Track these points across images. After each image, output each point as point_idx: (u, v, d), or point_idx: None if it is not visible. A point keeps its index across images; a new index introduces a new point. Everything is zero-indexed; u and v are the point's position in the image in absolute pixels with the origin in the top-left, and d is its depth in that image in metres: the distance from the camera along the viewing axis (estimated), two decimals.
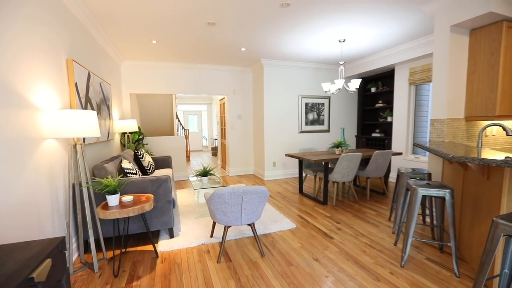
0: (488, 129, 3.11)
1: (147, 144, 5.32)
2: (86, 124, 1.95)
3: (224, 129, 6.66)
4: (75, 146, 2.10)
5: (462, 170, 2.34)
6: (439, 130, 2.90)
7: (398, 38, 4.02)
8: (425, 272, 2.12)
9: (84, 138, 2.69)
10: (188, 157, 9.41)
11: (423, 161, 4.56)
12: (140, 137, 4.96)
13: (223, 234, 2.29)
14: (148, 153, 4.58)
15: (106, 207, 2.07)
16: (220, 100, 6.91)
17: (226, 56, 4.98)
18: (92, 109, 3.04)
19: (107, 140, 3.79)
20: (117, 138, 4.48)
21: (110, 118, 3.91)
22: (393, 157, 5.13)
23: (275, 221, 3.18)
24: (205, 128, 12.87)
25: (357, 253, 2.44)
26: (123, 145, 4.81)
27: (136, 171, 3.01)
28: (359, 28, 3.57)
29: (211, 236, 2.77)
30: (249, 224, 2.36)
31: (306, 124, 5.81)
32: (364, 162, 4.27)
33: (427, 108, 4.74)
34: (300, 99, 5.70)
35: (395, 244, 2.59)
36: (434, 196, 2.12)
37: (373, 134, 5.68)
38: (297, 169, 5.92)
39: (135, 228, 2.58)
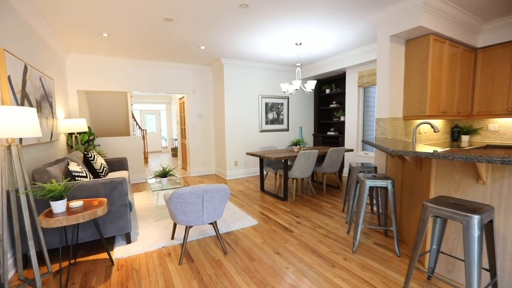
0: (421, 126, 3.57)
1: (99, 145, 4.92)
2: (23, 123, 1.74)
3: (184, 129, 6.48)
4: (9, 147, 1.87)
5: (401, 162, 2.66)
6: (383, 128, 3.25)
7: (349, 44, 4.37)
8: (373, 255, 2.36)
9: (20, 139, 2.39)
10: (146, 158, 8.92)
11: (371, 157, 5.04)
12: (91, 137, 4.57)
13: (185, 235, 2.25)
14: (101, 155, 4.24)
15: (50, 214, 1.88)
16: (180, 99, 6.70)
17: (185, 54, 4.85)
18: (31, 106, 2.72)
19: (51, 141, 3.41)
20: (62, 139, 4.06)
21: (53, 117, 3.53)
22: (346, 154, 5.56)
23: (237, 219, 3.21)
24: (164, 128, 12.32)
25: (314, 243, 2.61)
26: (70, 147, 4.38)
27: (86, 174, 2.78)
28: (314, 33, 3.80)
29: (172, 238, 2.69)
30: (211, 223, 2.35)
31: (267, 123, 5.96)
32: (321, 158, 4.56)
33: (374, 108, 5.24)
34: (260, 99, 5.83)
35: (348, 232, 2.82)
36: (379, 187, 2.37)
37: (328, 133, 6.08)
38: (259, 168, 6.04)
39: (87, 235, 2.38)
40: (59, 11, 2.92)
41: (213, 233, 2.85)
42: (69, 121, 3.84)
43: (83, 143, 4.36)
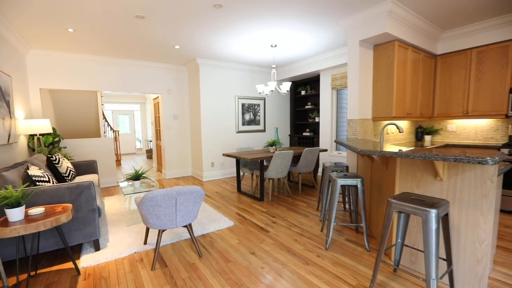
0: (388, 127, 3.78)
1: (65, 147, 4.62)
2: None
3: (159, 129, 6.30)
4: None
5: (370, 162, 2.80)
6: (353, 129, 3.39)
7: (323, 47, 4.51)
8: (344, 251, 2.45)
9: None
10: (118, 160, 8.54)
11: (344, 156, 5.23)
12: (56, 139, 4.28)
13: (157, 239, 2.19)
14: (67, 158, 3.98)
15: (5, 223, 1.74)
16: (154, 99, 6.50)
17: (159, 53, 4.72)
18: None
19: (8, 144, 3.16)
20: (23, 142, 3.76)
21: (11, 117, 3.26)
22: (321, 154, 5.72)
23: (213, 221, 3.18)
24: (138, 129, 11.87)
25: (289, 242, 2.65)
26: (32, 150, 4.07)
27: (49, 179, 2.60)
28: (289, 35, 3.87)
29: (145, 243, 2.60)
30: (185, 226, 2.31)
31: (243, 124, 5.97)
32: (296, 159, 4.65)
33: (346, 110, 5.45)
34: (236, 99, 5.83)
35: (322, 230, 2.91)
36: (350, 185, 2.47)
37: (304, 133, 6.22)
38: (235, 169, 6.03)
39: (49, 244, 2.23)
40: (17, 2, 2.71)
41: (188, 236, 2.80)
42: (30, 122, 3.57)
43: (46, 145, 4.07)
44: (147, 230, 2.56)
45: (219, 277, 2.07)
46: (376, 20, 3.00)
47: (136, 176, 3.22)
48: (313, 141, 5.96)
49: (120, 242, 2.66)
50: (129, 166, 8.03)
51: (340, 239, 2.69)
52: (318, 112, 5.90)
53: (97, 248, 2.47)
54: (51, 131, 3.79)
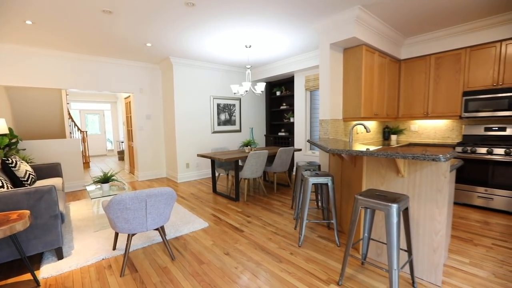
0: (358, 127, 3.96)
1: (24, 149, 4.28)
2: None
3: (131, 130, 6.05)
4: None
5: (340, 160, 2.92)
6: (325, 129, 3.51)
7: (297, 49, 4.62)
8: (317, 247, 2.53)
9: None
10: (87, 163, 8.06)
11: (318, 156, 5.40)
12: (13, 140, 3.95)
13: (127, 244, 2.10)
14: (26, 161, 3.69)
15: None
16: (126, 98, 6.23)
17: (130, 51, 4.54)
18: None
19: None
20: None
21: None
22: (296, 153, 5.85)
23: (187, 223, 3.13)
24: (109, 130, 11.29)
25: (264, 241, 2.68)
26: None
27: (3, 184, 2.39)
28: (263, 36, 3.92)
29: (114, 248, 2.49)
30: (157, 229, 2.25)
31: (219, 124, 5.93)
32: (271, 158, 4.71)
33: (319, 110, 5.62)
34: (212, 99, 5.77)
35: (295, 228, 2.98)
36: (321, 183, 2.56)
37: (280, 133, 6.32)
38: (211, 169, 5.98)
39: (4, 255, 2.05)
40: None
41: (160, 239, 2.72)
42: None
43: (2, 147, 3.74)
44: (116, 235, 2.45)
45: (192, 280, 2.04)
46: (345, 25, 3.14)
47: (105, 179, 3.07)
48: (289, 141, 6.07)
49: (86, 249, 2.52)
50: (98, 169, 7.62)
51: (313, 236, 2.78)
52: (293, 112, 6.03)
53: (60, 256, 2.32)
54: (7, 131, 3.49)
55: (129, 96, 5.82)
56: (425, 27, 3.62)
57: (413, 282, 1.90)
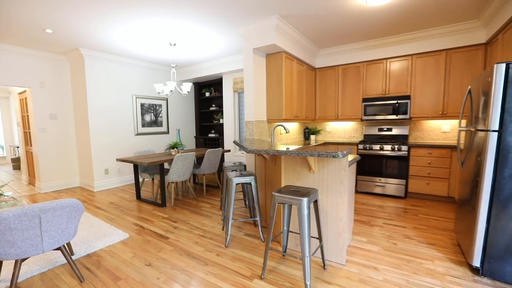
0: (281, 128, 4.27)
1: None
2: None
3: (29, 132, 5.02)
4: None
5: (264, 160, 3.08)
6: (250, 130, 3.66)
7: (225, 50, 4.65)
8: (243, 245, 2.60)
9: None
10: None
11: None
12: None
13: (14, 272, 1.73)
14: None
15: None
16: (20, 93, 5.14)
17: (25, 36, 3.76)
18: None
19: None
20: None
21: None
22: (226, 154, 5.90)
23: (103, 236, 2.79)
24: None
25: (190, 246, 2.61)
26: None
27: None
28: (188, 36, 3.81)
29: None
30: (58, 248, 1.93)
31: (143, 125, 5.49)
32: (201, 160, 4.63)
33: None
34: (134, 99, 5.30)
35: (223, 228, 3.00)
36: (245, 183, 2.65)
37: (210, 135, 6.27)
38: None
39: None
40: None
41: (65, 260, 2.34)
42: None
43: None
44: (0, 262, 1.99)
45: None
46: (266, 31, 3.34)
47: None
48: (219, 142, 6.08)
49: None
50: None
51: (240, 234, 2.85)
52: (223, 114, 6.06)
53: None
54: None
55: (25, 91, 4.82)
56: (334, 41, 4.17)
57: (324, 264, 2.16)
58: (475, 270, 2.09)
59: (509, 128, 1.79)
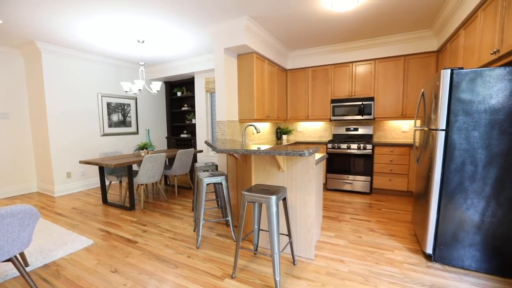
0: (252, 128, 4.31)
1: None
2: None
3: None
4: None
5: (235, 160, 3.09)
6: (222, 130, 3.65)
7: (197, 50, 4.58)
8: (215, 246, 2.59)
9: None
10: None
11: None
12: None
13: None
14: None
15: None
16: None
17: None
18: None
19: None
20: None
21: None
22: (199, 155, 5.81)
23: (63, 244, 2.61)
24: None
25: (160, 249, 2.54)
26: None
27: None
28: (157, 34, 3.69)
29: None
30: (9, 260, 1.77)
31: (110, 126, 5.22)
32: (172, 161, 4.52)
33: None
34: (100, 98, 5.02)
35: (194, 230, 2.96)
36: (216, 183, 2.64)
37: (182, 135, 6.13)
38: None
39: None
40: None
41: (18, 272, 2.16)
42: None
43: None
44: None
45: None
46: (237, 32, 3.35)
47: None
48: (191, 142, 5.97)
49: None
50: None
51: (211, 235, 2.83)
52: (195, 114, 5.97)
53: None
54: None
55: None
56: (304, 44, 4.30)
57: (294, 260, 2.22)
58: (428, 257, 2.29)
59: (453, 128, 1.99)
